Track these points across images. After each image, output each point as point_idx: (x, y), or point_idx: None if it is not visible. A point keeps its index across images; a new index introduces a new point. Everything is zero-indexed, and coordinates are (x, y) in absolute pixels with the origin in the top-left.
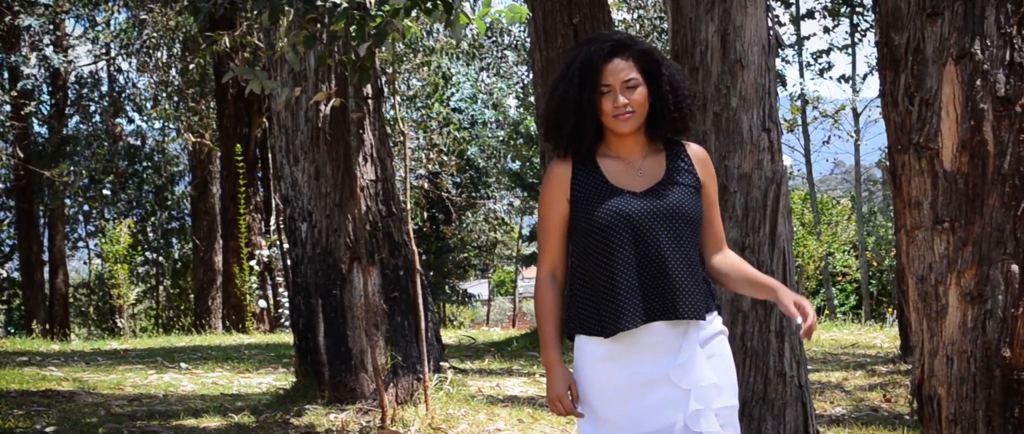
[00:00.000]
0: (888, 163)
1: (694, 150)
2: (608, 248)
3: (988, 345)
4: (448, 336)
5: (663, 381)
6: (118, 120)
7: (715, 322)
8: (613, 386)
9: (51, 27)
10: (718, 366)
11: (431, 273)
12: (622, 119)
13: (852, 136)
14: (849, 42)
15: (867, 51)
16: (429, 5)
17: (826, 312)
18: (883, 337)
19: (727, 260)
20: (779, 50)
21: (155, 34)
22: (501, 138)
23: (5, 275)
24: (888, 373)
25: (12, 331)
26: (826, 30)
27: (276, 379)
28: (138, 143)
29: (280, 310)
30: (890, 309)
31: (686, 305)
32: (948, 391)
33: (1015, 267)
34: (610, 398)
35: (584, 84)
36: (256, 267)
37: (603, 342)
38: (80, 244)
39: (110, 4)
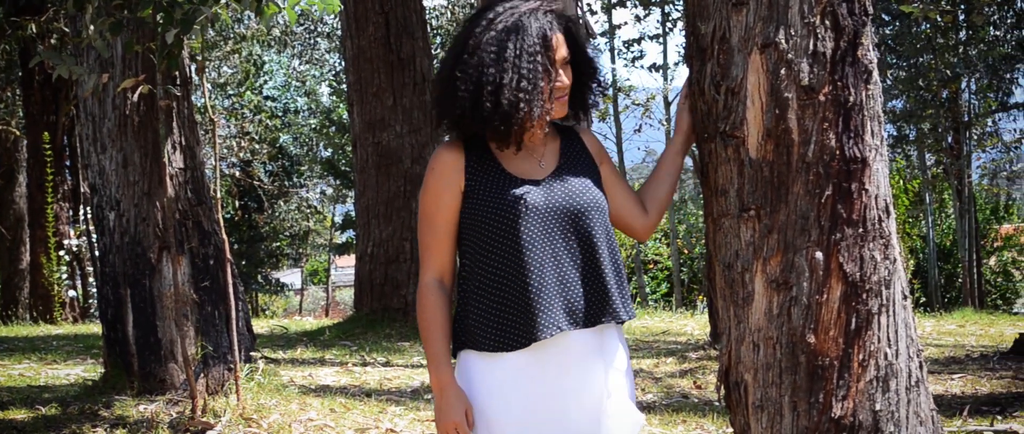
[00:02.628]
0: (696, 151)
1: (586, 133)
2: (515, 247)
3: (793, 332)
4: (260, 326)
5: (572, 394)
6: None
7: (620, 330)
8: (518, 404)
9: None
10: (626, 379)
11: (243, 262)
12: (562, 101)
13: (663, 124)
14: (660, 31)
15: (678, 40)
16: None
17: (638, 300)
18: (694, 324)
19: (646, 192)
20: (590, 39)
21: None
22: (314, 126)
23: None
24: (698, 359)
25: None
26: (638, 19)
27: (85, 370)
28: None
29: (89, 300)
30: (700, 296)
31: (607, 307)
32: (754, 377)
33: (819, 254)
34: (514, 418)
35: (536, 58)
36: (65, 256)
37: (507, 355)
38: None
39: None
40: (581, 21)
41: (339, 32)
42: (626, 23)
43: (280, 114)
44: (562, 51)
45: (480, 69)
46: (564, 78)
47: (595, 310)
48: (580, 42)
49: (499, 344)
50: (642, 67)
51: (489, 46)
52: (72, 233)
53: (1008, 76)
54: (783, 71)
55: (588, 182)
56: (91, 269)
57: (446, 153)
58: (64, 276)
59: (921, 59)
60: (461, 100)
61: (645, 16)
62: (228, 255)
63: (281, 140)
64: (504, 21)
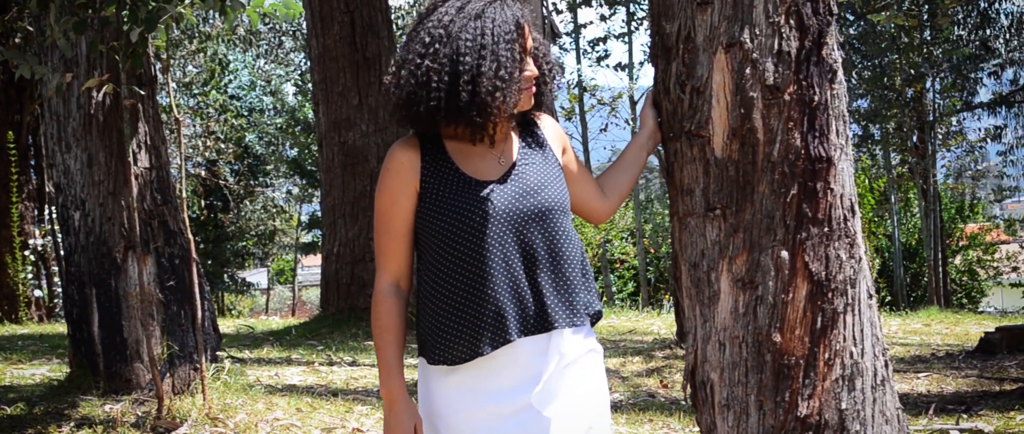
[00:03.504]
0: (662, 151)
1: (544, 119)
2: (465, 255)
3: (759, 330)
4: (226, 325)
5: (524, 407)
6: None
7: (589, 337)
8: (468, 415)
9: None
10: (588, 391)
11: (209, 262)
12: (528, 92)
13: (629, 124)
14: (626, 30)
15: (643, 39)
16: None
17: (604, 299)
18: (660, 323)
19: (607, 178)
20: (555, 38)
21: None
22: (279, 125)
23: None
24: (665, 358)
25: None
26: (603, 18)
27: (50, 370)
28: None
29: (55, 300)
30: (667, 296)
31: (559, 312)
32: (720, 376)
33: (785, 253)
34: (465, 430)
35: (513, 46)
36: (30, 256)
37: (457, 367)
38: None
39: None
40: (546, 20)
41: (304, 31)
42: (591, 22)
43: (245, 113)
44: (530, 41)
45: (456, 58)
46: (532, 67)
47: (551, 314)
48: (536, 37)
49: (445, 357)
50: (607, 66)
51: (464, 34)
52: (37, 233)
53: (972, 76)
54: (748, 70)
55: (548, 177)
56: (56, 268)
57: (401, 152)
58: (29, 276)
59: (886, 59)
60: (434, 91)
61: (610, 15)
62: (194, 255)
63: (247, 139)
64: (476, 9)
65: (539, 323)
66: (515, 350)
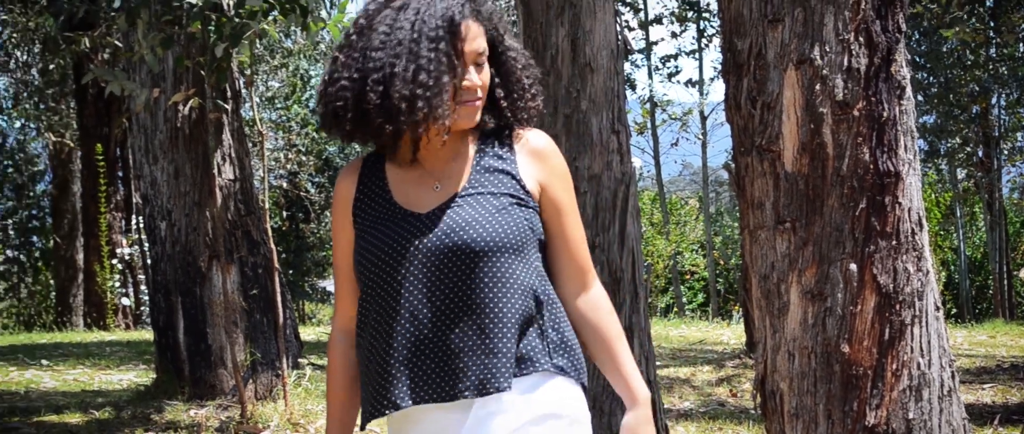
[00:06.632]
0: (733, 165)
1: (528, 140)
2: (378, 297)
3: (828, 341)
4: (307, 333)
5: None
6: None
7: (542, 398)
8: None
9: None
10: None
11: (290, 271)
12: (470, 106)
13: (699, 138)
14: (696, 47)
15: (714, 56)
16: (286, 7)
17: (675, 310)
18: (730, 333)
19: (588, 309)
20: (628, 54)
21: (15, 34)
22: None
23: None
24: (734, 368)
25: None
26: (674, 35)
27: (137, 376)
28: None
29: (141, 308)
30: (736, 306)
31: (469, 379)
32: (790, 386)
33: (853, 266)
34: None
35: (439, 45)
36: (117, 265)
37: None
38: None
39: None
40: (619, 37)
41: None
42: (663, 39)
43: None
44: (475, 44)
45: (367, 52)
46: (474, 77)
47: (459, 380)
48: (507, 42)
49: (363, 414)
50: (678, 82)
51: (380, 26)
52: (124, 242)
53: None
54: (818, 87)
55: (487, 212)
56: (143, 277)
57: (340, 180)
58: (117, 284)
59: (951, 75)
60: (341, 91)
61: (682, 32)
62: (276, 264)
63: (327, 152)
64: (403, 1)
65: (442, 389)
66: (424, 419)
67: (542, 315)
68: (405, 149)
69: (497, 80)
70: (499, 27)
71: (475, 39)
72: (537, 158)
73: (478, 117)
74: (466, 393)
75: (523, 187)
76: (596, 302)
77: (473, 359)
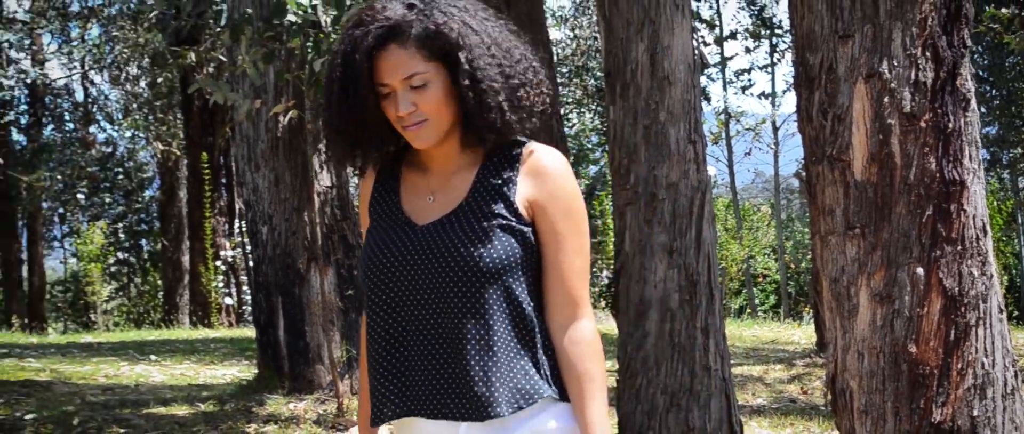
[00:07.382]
0: (804, 174)
1: (534, 158)
2: (377, 302)
3: (896, 342)
4: None
5: None
6: (91, 130)
7: (546, 428)
8: None
9: (28, 42)
10: None
11: None
12: (411, 131)
13: (771, 148)
14: (769, 62)
15: (785, 70)
16: None
17: (748, 311)
18: (800, 334)
19: (569, 342)
20: (704, 68)
21: (126, 49)
22: None
23: None
24: (805, 367)
25: None
26: (748, 50)
27: (240, 371)
28: (110, 151)
29: (243, 307)
30: (807, 308)
31: (454, 400)
32: (859, 384)
33: (920, 270)
34: None
35: (348, 85)
36: (221, 266)
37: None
38: (56, 244)
39: (84, 21)
40: (696, 52)
41: None
42: (737, 54)
43: None
44: (401, 72)
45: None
46: (401, 105)
47: (450, 403)
48: (473, 53)
49: (372, 417)
50: (751, 95)
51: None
52: (228, 245)
53: None
54: (886, 99)
55: (478, 233)
56: (245, 278)
57: (363, 180)
58: (220, 284)
59: (1013, 88)
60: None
61: (755, 48)
62: None
63: None
64: (355, 19)
65: (432, 403)
66: (417, 429)
67: (534, 341)
68: (411, 153)
69: (470, 95)
70: (448, 36)
71: (399, 67)
72: (536, 177)
73: (432, 136)
74: (451, 414)
75: (513, 208)
76: (580, 336)
77: (454, 381)
